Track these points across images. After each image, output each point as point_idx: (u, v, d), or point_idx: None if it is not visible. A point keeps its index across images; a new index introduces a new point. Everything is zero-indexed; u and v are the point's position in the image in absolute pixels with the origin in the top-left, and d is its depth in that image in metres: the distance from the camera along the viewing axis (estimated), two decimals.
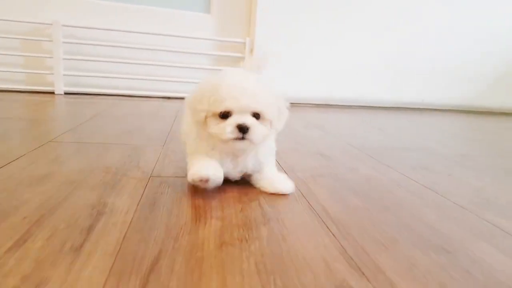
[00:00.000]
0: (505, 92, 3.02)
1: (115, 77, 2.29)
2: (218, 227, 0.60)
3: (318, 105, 2.60)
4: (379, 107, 2.75)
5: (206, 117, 0.71)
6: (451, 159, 1.23)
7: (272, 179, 0.77)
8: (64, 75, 2.21)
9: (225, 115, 0.69)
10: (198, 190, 0.75)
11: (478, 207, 0.78)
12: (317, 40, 2.51)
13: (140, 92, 2.35)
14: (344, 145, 1.33)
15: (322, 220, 0.65)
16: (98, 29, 2.21)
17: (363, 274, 0.49)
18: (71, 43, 2.19)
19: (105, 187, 0.74)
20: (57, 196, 0.68)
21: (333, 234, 0.60)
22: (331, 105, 2.65)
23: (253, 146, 0.72)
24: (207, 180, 0.70)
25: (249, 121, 0.68)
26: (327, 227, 0.63)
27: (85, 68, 2.26)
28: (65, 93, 2.23)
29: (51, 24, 2.13)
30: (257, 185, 0.78)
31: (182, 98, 2.34)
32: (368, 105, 2.74)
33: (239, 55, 2.39)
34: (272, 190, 0.75)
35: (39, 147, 1.02)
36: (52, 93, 2.21)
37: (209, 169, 0.71)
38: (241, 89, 0.69)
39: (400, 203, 0.77)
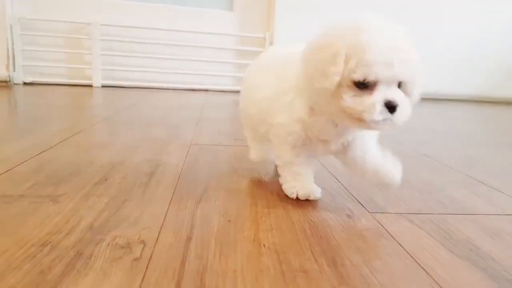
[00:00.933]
0: None
1: (146, 71, 2.49)
2: (251, 174, 0.77)
3: None
4: None
5: (339, 84, 0.51)
6: (451, 136, 1.38)
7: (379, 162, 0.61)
8: (102, 69, 2.43)
9: (363, 84, 0.50)
10: (233, 154, 0.93)
11: (465, 167, 0.93)
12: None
13: (168, 85, 2.55)
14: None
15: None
16: (131, 27, 2.42)
17: (359, 202, 0.66)
18: (107, 40, 2.41)
19: (157, 150, 0.92)
20: (121, 155, 0.87)
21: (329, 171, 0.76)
22: None
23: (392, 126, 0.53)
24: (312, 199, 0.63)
25: (398, 95, 0.51)
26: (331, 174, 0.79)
27: (119, 63, 2.47)
28: (102, 86, 2.44)
29: (90, 24, 2.35)
30: (359, 171, 0.63)
31: (207, 90, 2.55)
32: None
33: (260, 49, 2.56)
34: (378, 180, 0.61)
35: (95, 124, 1.21)
36: (91, 86, 2.42)
37: (314, 187, 0.64)
38: (394, 49, 0.50)
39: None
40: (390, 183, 0.60)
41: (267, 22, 2.64)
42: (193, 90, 2.57)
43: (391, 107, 0.50)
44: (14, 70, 2.30)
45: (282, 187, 0.65)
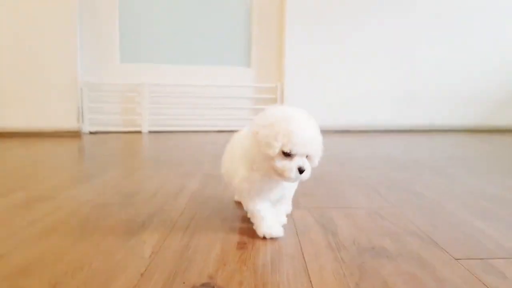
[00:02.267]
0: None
1: (183, 118, 3.12)
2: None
3: (338, 131, 3.24)
4: (391, 130, 3.33)
5: (274, 150, 0.75)
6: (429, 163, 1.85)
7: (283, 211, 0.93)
8: (148, 118, 3.08)
9: (287, 154, 0.76)
10: None
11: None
12: (336, 77, 3.19)
13: (202, 128, 3.15)
14: (338, 158, 2.00)
15: None
16: (171, 85, 3.07)
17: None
18: (153, 96, 3.07)
19: (183, 178, 1.47)
20: (174, 179, 1.43)
21: None
22: (350, 131, 3.28)
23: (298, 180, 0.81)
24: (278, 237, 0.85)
25: (306, 164, 0.78)
26: None
27: (162, 112, 3.11)
28: (149, 132, 3.08)
29: (140, 84, 3.02)
30: None
31: (231, 131, 3.08)
32: (380, 129, 3.33)
33: (273, 96, 3.13)
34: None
35: (154, 162, 1.80)
36: (140, 132, 3.07)
37: (275, 227, 0.86)
38: (309, 136, 0.77)
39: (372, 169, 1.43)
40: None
41: (278, 74, 3.23)
42: (221, 131, 3.16)
43: (301, 170, 0.77)
44: (82, 122, 2.98)
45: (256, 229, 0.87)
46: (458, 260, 0.76)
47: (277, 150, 0.76)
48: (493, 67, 3.34)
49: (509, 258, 0.77)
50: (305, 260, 0.76)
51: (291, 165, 0.77)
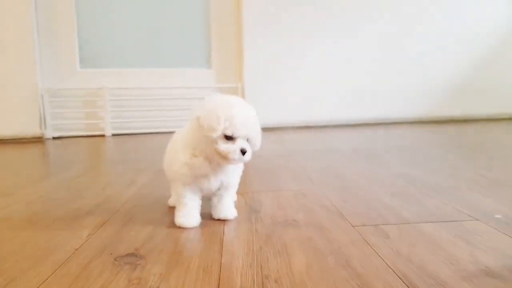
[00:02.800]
0: (465, 101, 3.64)
1: (146, 121, 3.20)
2: None
3: (297, 127, 3.38)
4: (349, 125, 3.49)
5: (216, 133, 0.81)
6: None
7: (225, 203, 0.95)
8: (111, 122, 3.15)
9: (230, 137, 0.82)
10: None
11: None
12: (293, 76, 3.34)
13: (165, 129, 3.24)
14: (288, 151, 2.13)
15: None
16: (132, 88, 3.15)
17: None
18: (115, 100, 3.14)
19: (138, 175, 1.58)
20: (117, 178, 1.52)
21: None
22: (309, 126, 3.43)
23: (240, 163, 0.89)
24: (192, 228, 0.90)
25: (248, 146, 0.84)
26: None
27: (125, 115, 3.19)
28: (113, 135, 3.15)
29: (101, 88, 3.09)
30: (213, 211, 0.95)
31: None
32: (335, 124, 3.49)
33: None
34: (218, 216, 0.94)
35: (111, 162, 1.89)
36: (103, 135, 3.14)
37: (191, 217, 0.91)
38: (249, 120, 0.84)
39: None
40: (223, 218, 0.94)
41: (238, 75, 3.35)
42: None
43: (243, 152, 0.82)
44: (45, 128, 3.03)
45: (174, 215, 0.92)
46: (354, 227, 0.90)
47: (219, 133, 0.82)
48: (440, 60, 3.55)
49: (399, 224, 0.91)
50: (224, 233, 0.88)
51: (234, 147, 0.83)
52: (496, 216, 0.94)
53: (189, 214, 0.91)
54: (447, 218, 0.94)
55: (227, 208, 0.95)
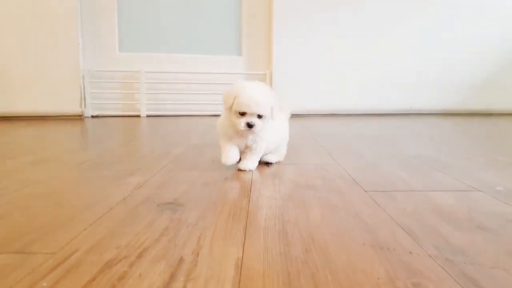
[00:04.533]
0: (490, 96, 3.66)
1: (179, 104, 3.36)
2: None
3: (323, 115, 3.47)
4: (374, 114, 3.55)
5: (231, 108, 1.08)
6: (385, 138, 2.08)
7: (245, 160, 1.20)
8: (146, 104, 3.32)
9: (242, 113, 1.08)
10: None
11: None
12: (321, 65, 3.42)
13: (196, 113, 3.40)
14: (313, 134, 2.23)
15: None
16: (167, 72, 3.31)
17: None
18: (150, 82, 3.31)
19: (173, 146, 1.72)
20: (154, 148, 1.67)
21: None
22: (335, 114, 3.51)
23: (253, 133, 1.13)
24: (231, 164, 1.20)
25: (255, 121, 1.07)
26: None
27: (159, 98, 3.36)
28: (147, 116, 3.33)
29: (138, 72, 3.27)
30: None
31: (215, 116, 3.33)
32: (363, 113, 3.56)
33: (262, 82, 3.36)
34: (239, 167, 1.20)
35: (148, 137, 2.04)
36: (139, 116, 3.32)
37: (230, 157, 1.16)
38: (253, 100, 1.05)
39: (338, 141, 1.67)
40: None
41: (268, 62, 3.46)
42: (213, 115, 3.40)
43: (249, 125, 1.08)
44: (85, 107, 3.24)
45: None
46: (367, 192, 1.00)
47: (228, 106, 1.10)
48: (467, 57, 3.55)
49: (407, 191, 1.01)
50: (250, 190, 1.00)
51: (241, 120, 1.09)
52: (497, 188, 1.02)
53: (227, 154, 1.18)
54: (453, 188, 1.03)
55: (246, 163, 1.21)
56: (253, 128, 1.09)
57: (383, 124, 2.90)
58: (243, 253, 0.62)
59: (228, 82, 3.39)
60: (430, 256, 0.62)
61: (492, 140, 2.12)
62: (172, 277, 0.54)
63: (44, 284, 0.52)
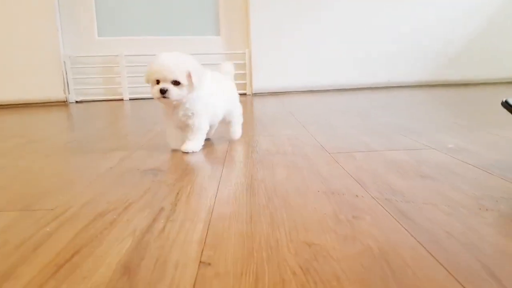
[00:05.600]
0: (465, 66, 3.78)
1: None
2: None
3: (302, 92, 3.57)
4: (352, 89, 3.67)
5: (149, 81, 1.09)
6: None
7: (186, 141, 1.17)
8: (128, 87, 3.38)
9: (157, 81, 1.06)
10: None
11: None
12: (298, 42, 3.50)
13: None
14: (290, 110, 2.34)
15: None
16: (147, 55, 3.35)
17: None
18: (130, 66, 3.37)
19: (148, 127, 1.81)
20: (137, 126, 1.76)
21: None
22: (314, 91, 3.62)
23: (175, 101, 1.08)
24: (174, 149, 1.20)
25: (167, 86, 1.04)
26: None
27: (140, 81, 3.41)
28: (130, 99, 3.39)
29: (118, 56, 3.31)
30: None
31: None
32: (341, 88, 3.67)
33: (242, 61, 3.44)
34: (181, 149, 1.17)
35: (130, 118, 2.13)
36: (122, 99, 3.38)
37: (172, 143, 1.20)
38: (163, 66, 1.04)
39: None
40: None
41: (246, 41, 3.53)
42: None
43: (162, 91, 1.05)
44: (68, 93, 3.28)
45: None
46: (330, 154, 1.12)
47: (145, 79, 1.10)
48: (442, 27, 3.67)
49: (367, 151, 1.13)
50: (225, 159, 1.11)
51: (156, 88, 1.07)
52: (449, 146, 1.15)
53: (168, 140, 1.23)
54: (409, 148, 1.15)
55: (187, 144, 1.18)
56: (167, 94, 1.05)
57: (359, 98, 3.01)
58: (214, 202, 0.73)
59: (207, 62, 3.45)
60: (372, 197, 0.74)
61: (459, 107, 2.26)
62: (154, 220, 0.65)
63: (48, 229, 0.63)
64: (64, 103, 3.20)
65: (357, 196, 0.75)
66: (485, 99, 2.67)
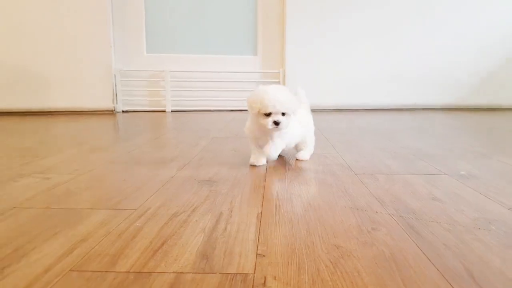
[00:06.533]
0: (490, 92, 3.87)
1: (201, 100, 3.68)
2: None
3: (331, 110, 3.74)
4: (379, 109, 3.81)
5: (258, 112, 1.22)
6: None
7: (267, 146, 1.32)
8: (171, 100, 3.65)
9: (267, 114, 1.22)
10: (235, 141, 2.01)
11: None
12: (330, 62, 3.69)
13: (216, 108, 3.71)
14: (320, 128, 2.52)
15: None
16: (190, 71, 3.63)
17: None
18: (174, 81, 3.64)
19: (196, 140, 2.03)
20: (181, 140, 1.99)
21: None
22: (342, 109, 3.78)
23: (280, 130, 1.25)
24: (259, 166, 1.37)
25: (280, 118, 1.21)
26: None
27: (183, 95, 3.68)
28: (172, 111, 3.66)
29: (163, 71, 3.59)
30: None
31: (240, 111, 3.65)
32: (370, 108, 3.81)
33: (276, 80, 3.65)
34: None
35: (175, 130, 2.36)
36: (164, 111, 3.65)
37: (258, 160, 1.37)
38: (277, 100, 1.20)
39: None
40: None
41: (281, 61, 3.74)
42: (232, 110, 3.71)
43: (276, 123, 1.22)
44: (116, 103, 3.58)
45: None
46: (357, 174, 1.29)
47: (255, 111, 1.23)
48: (473, 51, 3.77)
49: (389, 174, 1.30)
50: (266, 174, 1.31)
51: (268, 120, 1.23)
52: (461, 172, 1.30)
53: (256, 157, 1.38)
54: (425, 172, 1.31)
55: (269, 149, 1.33)
56: (280, 125, 1.23)
57: (386, 119, 3.16)
58: (261, 210, 0.93)
59: (245, 80, 3.69)
60: (389, 214, 0.91)
61: (479, 133, 2.38)
62: (217, 222, 0.85)
63: (138, 224, 0.84)
64: (111, 112, 3.49)
65: (376, 212, 0.92)
66: (505, 125, 2.77)
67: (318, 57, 3.69)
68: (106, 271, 0.63)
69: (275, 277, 0.62)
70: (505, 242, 0.75)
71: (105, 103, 3.51)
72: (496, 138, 2.20)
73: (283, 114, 1.24)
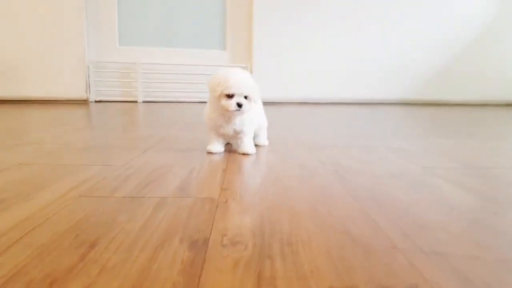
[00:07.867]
0: (439, 88, 4.25)
1: (170, 91, 3.86)
2: None
3: (297, 103, 4.02)
4: (340, 103, 4.12)
5: (220, 95, 1.18)
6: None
7: (243, 144, 1.31)
8: (142, 91, 3.82)
9: (229, 96, 1.19)
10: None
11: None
12: (295, 58, 3.96)
13: (185, 99, 3.91)
14: (285, 117, 2.77)
15: None
16: (161, 64, 3.80)
17: None
18: (145, 73, 3.81)
19: (165, 127, 2.24)
20: (153, 129, 2.19)
21: None
22: (306, 103, 4.06)
23: (242, 114, 1.22)
24: (215, 153, 1.32)
25: (243, 101, 1.19)
26: None
27: (153, 86, 3.85)
28: (143, 101, 3.83)
29: (135, 63, 3.75)
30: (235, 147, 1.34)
31: (202, 102, 3.84)
32: (332, 102, 4.12)
33: None
34: (240, 151, 1.32)
35: (145, 117, 2.56)
36: (136, 101, 3.81)
37: (215, 147, 1.33)
38: (241, 81, 1.18)
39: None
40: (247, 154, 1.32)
41: (249, 56, 3.98)
42: (200, 102, 3.91)
43: (239, 105, 1.19)
44: (89, 93, 3.71)
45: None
46: (309, 147, 1.54)
47: (218, 93, 1.19)
48: (427, 49, 4.14)
49: (335, 146, 1.56)
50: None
51: (230, 102, 1.20)
52: (393, 146, 1.58)
53: (214, 145, 1.36)
54: (365, 146, 1.58)
55: (246, 146, 1.34)
56: (243, 108, 1.19)
57: (345, 111, 3.46)
58: (226, 167, 1.16)
59: (213, 73, 3.90)
60: (327, 169, 1.17)
61: (424, 122, 2.70)
62: (190, 172, 1.08)
63: (128, 172, 1.05)
64: (85, 102, 3.62)
65: (317, 168, 1.18)
66: (454, 115, 3.12)
67: (283, 52, 3.96)
68: (108, 196, 0.85)
69: (234, 199, 0.85)
70: (407, 184, 1.02)
71: (78, 93, 3.63)
72: (439, 125, 2.51)
73: (245, 97, 1.22)
